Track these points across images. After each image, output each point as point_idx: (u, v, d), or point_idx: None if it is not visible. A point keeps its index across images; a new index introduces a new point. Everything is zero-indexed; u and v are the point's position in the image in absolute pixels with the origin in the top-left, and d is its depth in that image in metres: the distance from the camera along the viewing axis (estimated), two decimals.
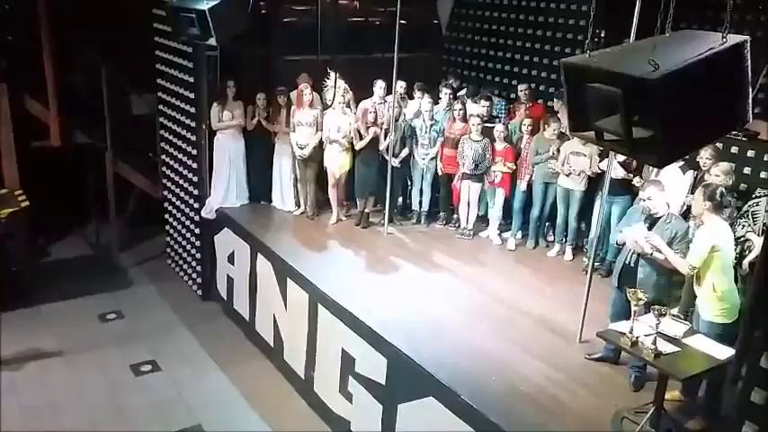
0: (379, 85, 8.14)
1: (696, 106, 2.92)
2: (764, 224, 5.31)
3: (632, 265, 5.23)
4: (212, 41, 6.84)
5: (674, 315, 5.01)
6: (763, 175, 6.63)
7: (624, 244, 5.36)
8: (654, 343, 4.51)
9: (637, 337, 4.61)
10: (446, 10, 10.94)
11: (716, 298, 4.82)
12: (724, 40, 2.97)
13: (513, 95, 9.20)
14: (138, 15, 9.13)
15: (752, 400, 3.24)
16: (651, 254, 5.05)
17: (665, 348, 4.53)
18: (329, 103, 8.24)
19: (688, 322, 4.98)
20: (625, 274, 5.29)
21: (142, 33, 9.07)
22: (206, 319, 8.38)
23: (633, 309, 4.68)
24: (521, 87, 8.60)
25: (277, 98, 8.24)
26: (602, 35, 8.22)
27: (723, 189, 4.96)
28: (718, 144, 6.45)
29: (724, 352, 4.51)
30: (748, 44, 3.01)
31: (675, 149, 3.11)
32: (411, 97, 8.60)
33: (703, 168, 6.17)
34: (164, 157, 9.22)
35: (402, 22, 7.38)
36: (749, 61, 3.03)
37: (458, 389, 5.04)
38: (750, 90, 3.00)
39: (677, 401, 5.09)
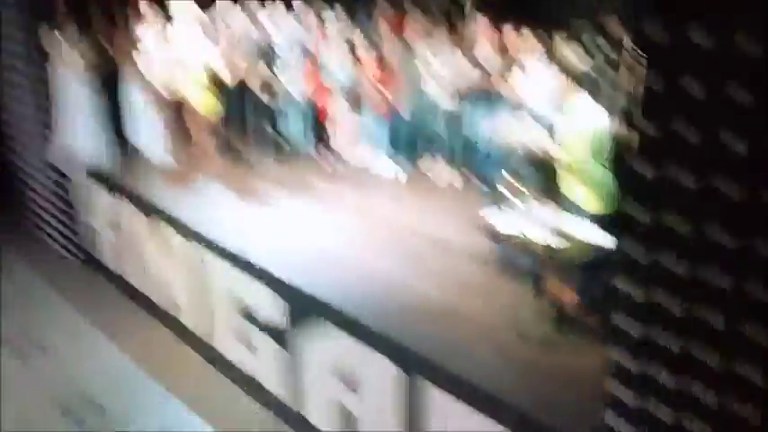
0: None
1: None
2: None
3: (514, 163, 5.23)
4: None
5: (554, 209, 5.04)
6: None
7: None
8: (540, 234, 4.57)
9: (524, 233, 4.65)
10: None
11: (591, 186, 4.80)
12: None
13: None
14: None
15: (632, 297, 3.29)
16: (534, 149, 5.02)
17: (552, 240, 4.58)
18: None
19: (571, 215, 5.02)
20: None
21: None
22: (83, 284, 7.73)
23: (512, 201, 4.69)
24: None
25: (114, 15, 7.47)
26: None
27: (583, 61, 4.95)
28: (571, 31, 6.52)
29: (608, 238, 4.54)
30: None
31: None
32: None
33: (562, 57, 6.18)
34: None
35: None
36: None
37: (357, 313, 4.97)
38: None
39: (573, 300, 5.18)
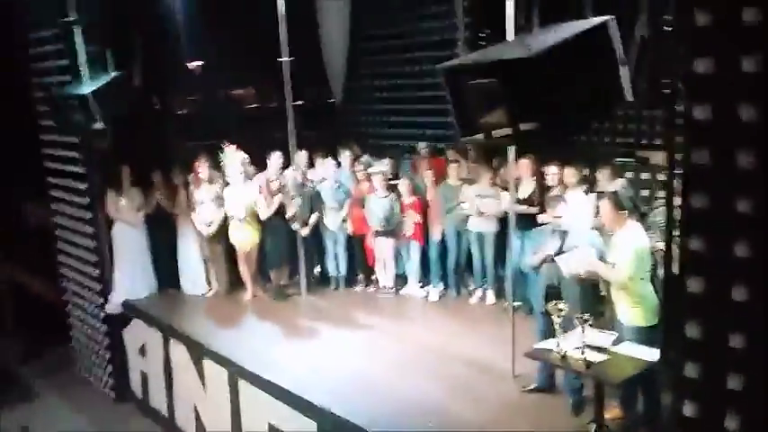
0: (275, 156, 8.00)
1: (573, 84, 2.96)
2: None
3: (557, 284, 5.18)
4: (98, 125, 6.68)
5: (597, 327, 4.93)
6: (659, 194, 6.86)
7: (538, 267, 5.35)
8: (583, 353, 4.41)
9: (565, 352, 4.51)
10: (339, 87, 11.08)
11: (637, 302, 4.75)
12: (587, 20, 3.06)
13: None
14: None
15: (684, 413, 3.11)
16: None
17: (595, 358, 4.43)
18: (228, 179, 7.92)
19: (614, 332, 4.90)
20: (551, 297, 5.20)
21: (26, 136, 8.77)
22: (121, 422, 7.73)
23: (556, 322, 4.59)
24: (421, 145, 8.77)
25: (174, 180, 8.03)
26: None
27: (626, 193, 5.03)
28: (613, 167, 6.74)
29: (654, 354, 4.43)
30: (614, 22, 3.11)
31: (560, 130, 3.12)
32: (312, 166, 8.55)
33: (603, 190, 6.33)
34: (62, 256, 8.73)
35: (299, 103, 7.48)
36: (618, 40, 3.12)
37: None
38: (619, 66, 3.07)
39: (618, 419, 4.93)
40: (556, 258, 5.15)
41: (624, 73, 3.15)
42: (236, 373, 6.20)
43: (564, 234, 5.26)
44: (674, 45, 3.09)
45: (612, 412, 4.84)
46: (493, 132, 3.33)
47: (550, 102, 2.97)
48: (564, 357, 4.48)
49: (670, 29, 3.43)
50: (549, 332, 5.17)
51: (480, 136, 3.45)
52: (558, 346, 4.54)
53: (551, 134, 3.10)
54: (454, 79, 3.35)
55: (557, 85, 2.93)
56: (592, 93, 3.06)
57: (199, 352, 6.75)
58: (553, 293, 5.18)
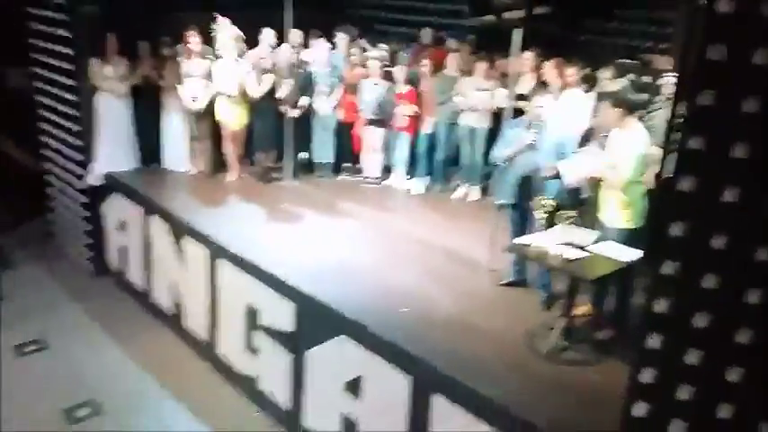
0: (267, 33, 7.65)
1: None
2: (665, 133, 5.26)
3: (530, 176, 5.08)
4: None
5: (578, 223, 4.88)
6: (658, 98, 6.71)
7: (510, 158, 5.25)
8: (561, 250, 4.38)
9: (543, 247, 4.47)
10: None
11: (628, 204, 4.67)
12: None
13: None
14: None
15: (656, 310, 3.10)
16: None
17: (573, 255, 4.40)
18: (220, 53, 7.64)
19: (594, 231, 4.85)
20: (523, 188, 5.13)
21: None
22: (99, 295, 7.69)
23: (538, 218, 4.53)
24: (423, 32, 8.43)
25: (163, 50, 7.69)
26: None
27: (628, 93, 4.87)
28: (616, 67, 6.56)
29: (632, 254, 4.42)
30: None
31: (573, 16, 2.92)
32: (307, 47, 8.21)
33: (604, 89, 6.15)
34: (43, 124, 8.50)
35: None
36: None
37: (367, 322, 4.78)
38: None
39: (587, 315, 4.98)
40: (559, 168, 5.00)
41: None
42: (216, 251, 6.17)
43: (542, 126, 5.14)
44: None
45: (582, 309, 4.89)
46: (504, 14, 3.14)
47: None
48: (542, 253, 4.45)
49: None
50: (520, 224, 5.20)
51: (491, 17, 3.26)
52: (536, 241, 4.49)
53: (563, 19, 2.90)
54: None
55: None
56: None
57: (179, 229, 6.68)
58: (525, 186, 5.12)
